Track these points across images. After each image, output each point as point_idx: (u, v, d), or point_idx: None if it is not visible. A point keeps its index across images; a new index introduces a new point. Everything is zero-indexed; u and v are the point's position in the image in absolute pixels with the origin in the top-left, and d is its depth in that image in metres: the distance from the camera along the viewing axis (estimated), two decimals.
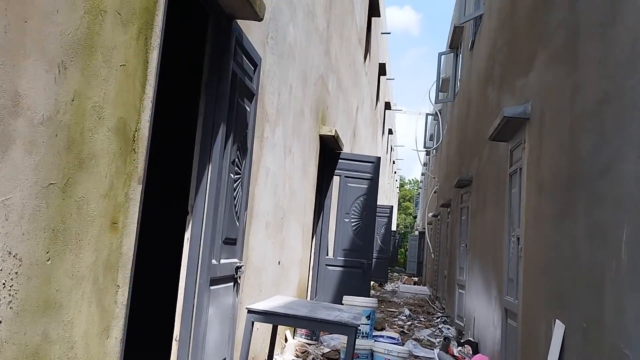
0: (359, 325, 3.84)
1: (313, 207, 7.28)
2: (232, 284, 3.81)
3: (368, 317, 5.53)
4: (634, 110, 2.54)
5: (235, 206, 3.81)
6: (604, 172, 2.90)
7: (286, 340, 6.20)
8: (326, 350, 6.50)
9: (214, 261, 3.42)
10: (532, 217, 4.48)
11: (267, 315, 3.83)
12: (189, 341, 3.18)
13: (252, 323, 3.83)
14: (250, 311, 3.84)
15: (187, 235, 3.30)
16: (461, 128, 11.47)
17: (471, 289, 8.44)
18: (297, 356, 6.17)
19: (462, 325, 9.08)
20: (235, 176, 3.76)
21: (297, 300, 4.57)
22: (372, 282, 18.31)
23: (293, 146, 5.71)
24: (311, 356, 6.17)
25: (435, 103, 17.23)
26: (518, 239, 4.96)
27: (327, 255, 8.22)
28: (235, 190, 3.78)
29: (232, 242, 3.79)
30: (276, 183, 5.11)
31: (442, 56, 15.01)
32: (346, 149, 10.13)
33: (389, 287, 20.69)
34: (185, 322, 3.20)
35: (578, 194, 3.33)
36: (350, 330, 3.74)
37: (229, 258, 3.73)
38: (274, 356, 5.80)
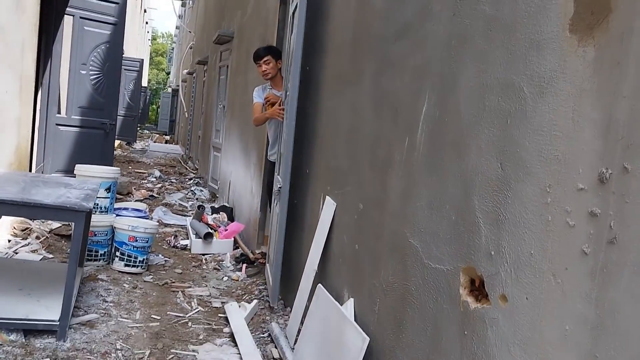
0: (90, 210, 2.97)
1: (36, 53, 5.69)
2: None
3: (108, 190, 4.62)
4: None
5: None
6: (402, 33, 2.42)
7: None
8: (55, 225, 5.45)
9: None
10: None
11: None
12: None
13: None
14: None
15: None
16: None
17: (228, 153, 8.00)
18: (15, 235, 5.03)
19: (217, 188, 8.74)
20: None
21: (6, 174, 3.42)
22: (119, 142, 16.85)
23: None
24: (34, 234, 5.08)
25: None
26: None
27: (59, 113, 6.77)
28: None
29: None
30: None
31: None
32: None
33: (138, 145, 19.49)
34: None
35: (365, 58, 2.85)
36: (78, 216, 2.85)
37: None
38: None
